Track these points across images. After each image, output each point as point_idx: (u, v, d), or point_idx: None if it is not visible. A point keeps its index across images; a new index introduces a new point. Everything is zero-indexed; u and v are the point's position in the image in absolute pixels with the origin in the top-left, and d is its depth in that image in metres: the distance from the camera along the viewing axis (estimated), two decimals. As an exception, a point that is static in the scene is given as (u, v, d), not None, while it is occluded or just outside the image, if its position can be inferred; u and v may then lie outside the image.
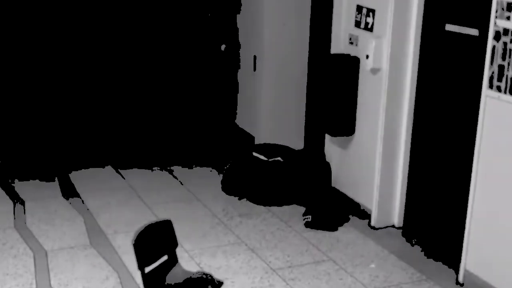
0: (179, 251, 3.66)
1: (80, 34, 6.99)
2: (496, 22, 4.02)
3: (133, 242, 3.25)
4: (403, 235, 5.31)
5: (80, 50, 7.04)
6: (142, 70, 7.27)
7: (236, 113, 7.46)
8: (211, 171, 6.65)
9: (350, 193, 5.73)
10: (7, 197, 5.82)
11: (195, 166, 6.77)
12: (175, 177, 6.46)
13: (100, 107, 7.21)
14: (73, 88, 7.10)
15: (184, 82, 7.45)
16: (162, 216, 5.37)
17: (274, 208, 5.75)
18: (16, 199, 5.80)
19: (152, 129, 7.35)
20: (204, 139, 7.36)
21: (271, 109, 6.79)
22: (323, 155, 6.08)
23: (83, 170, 6.54)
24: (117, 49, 7.14)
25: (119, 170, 6.57)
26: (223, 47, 7.27)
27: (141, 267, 3.29)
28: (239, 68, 7.26)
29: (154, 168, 6.67)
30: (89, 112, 7.18)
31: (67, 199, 5.85)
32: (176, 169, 6.68)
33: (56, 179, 6.29)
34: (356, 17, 5.41)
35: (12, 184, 6.11)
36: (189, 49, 7.34)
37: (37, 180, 6.23)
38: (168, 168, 6.69)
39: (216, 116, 7.56)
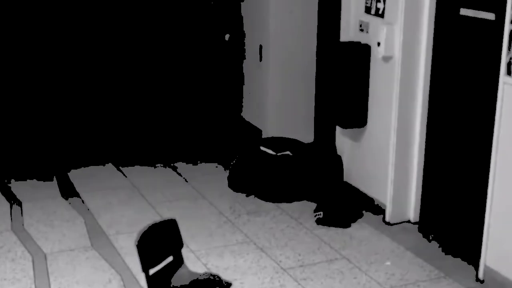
0: (184, 251, 3.66)
1: (78, 27, 7.03)
2: (514, 6, 4.04)
3: (137, 243, 3.25)
4: (420, 230, 5.29)
5: (77, 43, 7.07)
6: (143, 63, 7.31)
7: (242, 106, 7.48)
8: (216, 167, 6.65)
9: (363, 188, 5.71)
10: (4, 198, 5.80)
11: (200, 162, 6.76)
12: (179, 174, 6.44)
13: (100, 102, 7.24)
14: (70, 81, 7.13)
15: (186, 74, 7.48)
16: (166, 215, 5.37)
17: (284, 205, 5.73)
18: (13, 200, 5.78)
19: (154, 124, 7.36)
20: (209, 134, 7.38)
21: (278, 101, 6.80)
22: (334, 148, 6.08)
23: (82, 168, 6.53)
24: (117, 42, 7.18)
25: (120, 167, 6.56)
26: (227, 36, 7.32)
27: (145, 269, 3.29)
28: (244, 58, 7.29)
29: (157, 165, 6.67)
30: (88, 107, 7.21)
31: (67, 199, 5.83)
32: (180, 165, 6.66)
33: (54, 178, 6.26)
34: (366, 2, 5.40)
35: (8, 185, 6.08)
36: (191, 40, 7.41)
37: (34, 180, 6.21)
38: (172, 164, 6.68)
39: (221, 109, 7.62)
